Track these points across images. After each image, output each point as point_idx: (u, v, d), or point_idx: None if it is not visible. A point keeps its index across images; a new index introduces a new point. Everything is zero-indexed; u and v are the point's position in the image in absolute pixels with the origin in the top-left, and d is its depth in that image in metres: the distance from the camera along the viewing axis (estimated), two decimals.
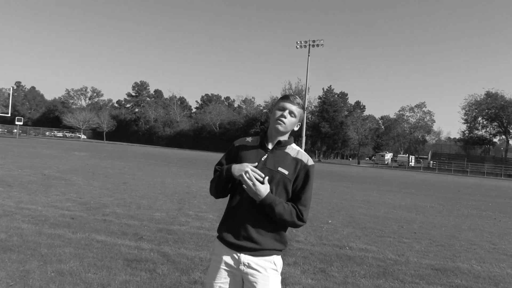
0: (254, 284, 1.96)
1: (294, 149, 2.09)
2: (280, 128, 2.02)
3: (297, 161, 2.03)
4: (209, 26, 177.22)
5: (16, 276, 3.68)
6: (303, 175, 2.02)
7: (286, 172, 1.99)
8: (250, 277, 1.97)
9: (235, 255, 1.99)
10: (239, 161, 2.04)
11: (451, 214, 10.54)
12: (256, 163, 2.01)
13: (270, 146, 2.07)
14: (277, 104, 2.08)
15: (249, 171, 1.93)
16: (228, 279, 2.00)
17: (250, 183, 1.90)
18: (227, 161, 2.12)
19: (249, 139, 2.16)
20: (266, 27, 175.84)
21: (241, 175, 1.93)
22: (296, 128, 2.14)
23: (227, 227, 2.03)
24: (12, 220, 5.82)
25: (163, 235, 5.64)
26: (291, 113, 2.03)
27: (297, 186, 2.02)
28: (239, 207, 2.00)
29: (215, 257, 2.06)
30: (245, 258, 1.97)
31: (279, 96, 74.50)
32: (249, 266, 1.97)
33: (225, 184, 2.02)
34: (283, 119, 2.02)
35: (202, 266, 4.35)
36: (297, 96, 2.10)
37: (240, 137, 2.23)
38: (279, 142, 2.06)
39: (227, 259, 2.00)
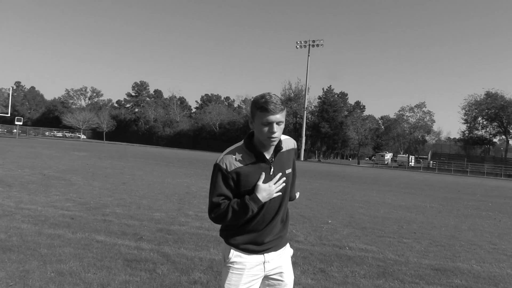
0: (281, 274, 2.05)
1: (284, 142, 2.04)
2: (275, 143, 1.92)
3: (291, 152, 2.07)
4: (209, 26, 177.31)
5: (16, 276, 3.68)
6: (294, 158, 2.13)
7: (290, 170, 2.06)
8: (275, 270, 2.05)
9: (260, 258, 2.01)
10: (247, 184, 1.91)
11: (451, 214, 10.54)
12: (269, 177, 1.94)
13: (267, 155, 1.95)
14: (258, 117, 1.85)
15: (274, 190, 1.93)
16: (253, 283, 2.00)
17: (280, 193, 1.96)
18: (229, 190, 1.91)
19: (235, 155, 1.92)
20: (266, 27, 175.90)
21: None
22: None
23: (250, 239, 1.98)
24: (12, 220, 5.81)
25: (163, 235, 5.64)
26: (278, 123, 1.85)
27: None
28: (261, 220, 1.97)
29: (237, 265, 1.97)
30: (268, 256, 2.03)
31: (279, 96, 75.17)
32: (273, 261, 2.04)
33: (251, 215, 1.90)
34: (274, 135, 1.85)
35: (202, 266, 4.35)
36: (273, 97, 1.84)
37: (227, 147, 2.01)
38: (277, 149, 1.97)
39: (252, 265, 1.99)
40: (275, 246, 2.05)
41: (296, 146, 2.12)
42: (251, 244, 1.97)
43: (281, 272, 2.06)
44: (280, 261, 2.07)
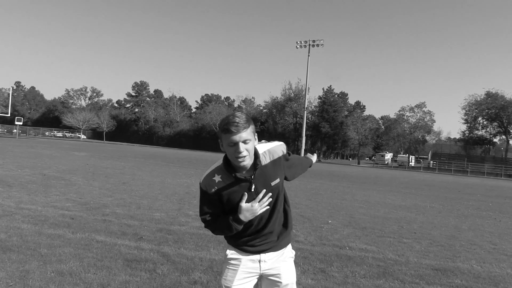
0: (278, 275, 2.06)
1: (264, 155, 1.99)
2: (246, 163, 1.87)
3: (277, 162, 2.02)
4: (209, 26, 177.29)
5: (16, 276, 3.68)
6: (286, 163, 2.09)
7: (278, 180, 2.01)
8: (272, 270, 2.06)
9: (255, 256, 2.05)
10: (229, 204, 1.95)
11: (451, 214, 10.53)
12: (249, 196, 1.93)
13: (246, 174, 1.92)
14: (224, 139, 1.85)
15: (257, 208, 1.92)
16: (247, 281, 2.04)
17: (267, 207, 1.97)
18: (213, 208, 1.98)
19: (215, 177, 1.94)
20: (266, 27, 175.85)
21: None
22: (256, 142, 1.95)
23: (244, 243, 2.04)
24: (12, 220, 5.81)
25: (163, 235, 5.64)
26: (244, 141, 1.82)
27: (290, 171, 2.15)
28: (254, 230, 2.02)
29: (233, 261, 2.05)
30: (265, 256, 2.05)
31: (279, 96, 73.95)
32: (270, 261, 2.06)
33: (236, 231, 1.97)
34: (242, 154, 1.82)
35: (202, 266, 4.35)
36: (236, 117, 1.83)
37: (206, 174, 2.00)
38: (254, 165, 1.93)
39: (247, 261, 2.04)
40: (274, 247, 2.07)
41: (284, 152, 2.07)
42: (246, 246, 2.04)
43: (278, 274, 2.06)
44: (279, 262, 2.08)
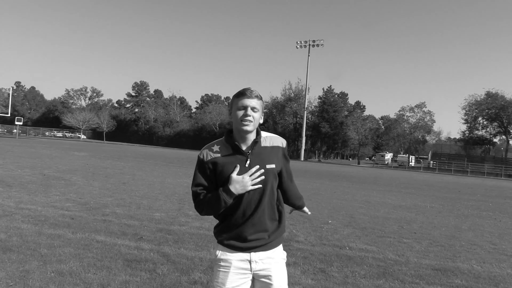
0: (269, 277, 2.01)
1: (266, 138, 2.05)
2: (249, 128, 1.93)
3: (276, 149, 2.05)
4: (209, 26, 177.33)
5: (16, 276, 3.68)
6: (283, 158, 2.09)
7: (274, 165, 2.02)
8: (263, 272, 2.01)
9: (245, 256, 2.00)
10: (222, 175, 1.95)
11: (451, 214, 10.53)
12: (243, 169, 1.94)
13: (244, 148, 1.97)
14: (235, 104, 1.95)
15: (248, 182, 1.92)
16: (240, 281, 1.99)
17: (258, 185, 1.95)
18: (206, 180, 1.99)
19: (214, 147, 2.01)
20: (266, 27, 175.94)
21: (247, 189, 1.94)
22: (261, 121, 2.02)
23: (232, 234, 2.00)
24: (12, 220, 5.81)
25: (163, 235, 5.64)
26: (253, 108, 1.93)
27: (281, 170, 2.10)
28: (241, 214, 1.97)
29: (223, 263, 2.00)
30: (255, 255, 2.00)
31: (279, 96, 74.12)
32: (261, 261, 2.01)
33: (225, 206, 1.94)
34: (248, 117, 1.91)
35: (202, 266, 4.35)
36: (252, 89, 1.97)
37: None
38: (255, 141, 1.99)
39: (237, 261, 1.99)
40: (263, 245, 2.01)
41: (284, 146, 2.09)
42: (234, 240, 1.99)
43: (269, 275, 2.01)
44: (270, 263, 2.02)
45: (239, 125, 1.92)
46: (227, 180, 1.93)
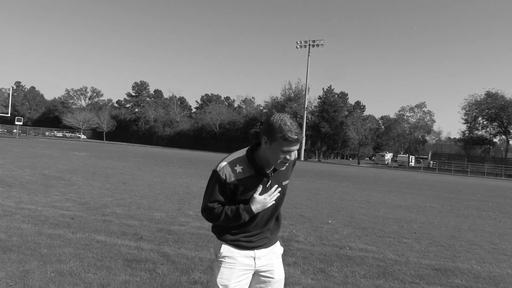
0: (271, 271, 2.10)
1: None
2: (283, 168, 1.99)
3: (289, 164, 2.09)
4: (209, 26, 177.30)
5: (16, 276, 3.68)
6: (292, 167, 2.18)
7: (288, 180, 2.12)
8: (265, 267, 2.09)
9: (250, 253, 2.06)
10: (243, 195, 1.97)
11: (451, 214, 10.53)
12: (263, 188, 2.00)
13: (267, 170, 1.99)
14: (281, 145, 1.82)
15: (268, 202, 1.98)
16: (244, 277, 2.05)
17: (272, 203, 2.01)
18: (224, 198, 1.97)
19: (236, 167, 1.95)
20: (266, 27, 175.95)
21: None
22: None
23: (239, 236, 2.04)
24: (12, 220, 5.81)
25: (163, 235, 5.64)
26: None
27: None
28: (254, 225, 2.05)
29: (228, 259, 2.03)
30: (259, 252, 2.08)
31: (279, 96, 73.85)
32: (263, 258, 2.09)
33: (242, 222, 1.98)
34: (288, 162, 1.94)
35: (202, 266, 4.35)
36: (295, 125, 1.83)
37: (228, 155, 2.02)
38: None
39: (242, 258, 2.05)
40: (267, 243, 2.12)
41: (296, 156, 2.12)
42: (241, 241, 2.04)
43: (271, 270, 2.11)
44: (271, 258, 2.12)
45: (277, 166, 1.93)
46: (247, 199, 1.96)
